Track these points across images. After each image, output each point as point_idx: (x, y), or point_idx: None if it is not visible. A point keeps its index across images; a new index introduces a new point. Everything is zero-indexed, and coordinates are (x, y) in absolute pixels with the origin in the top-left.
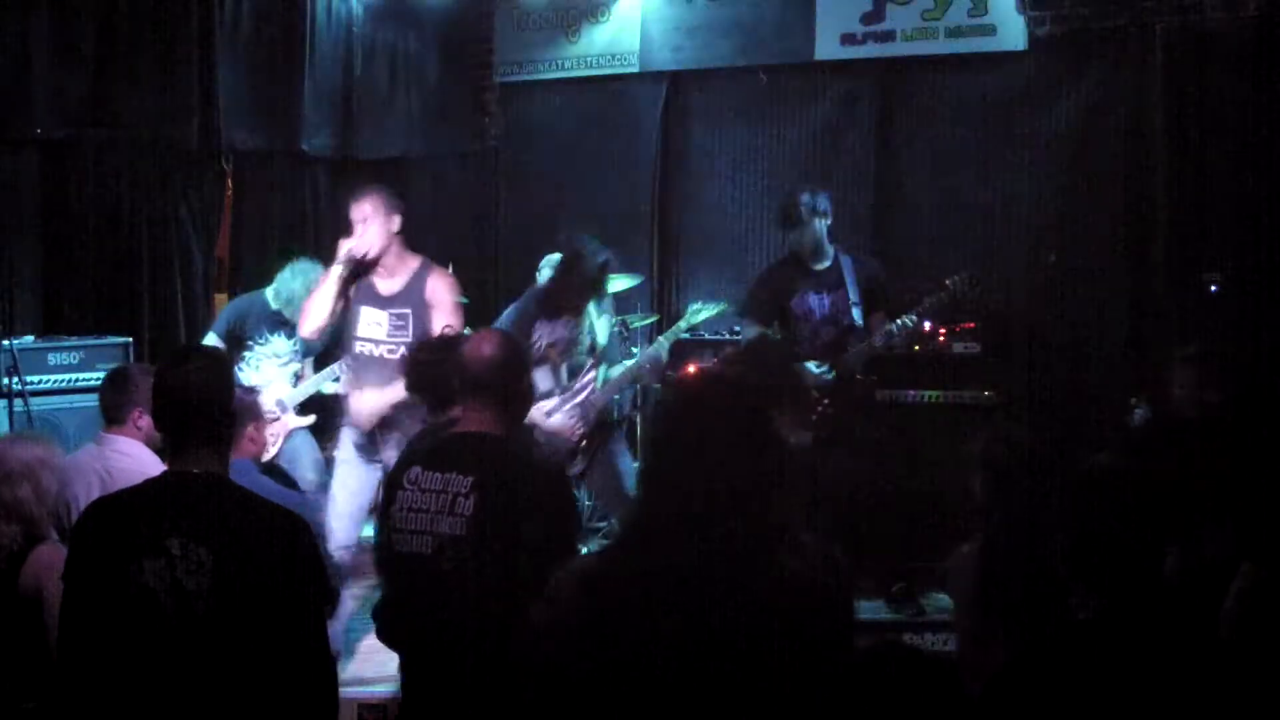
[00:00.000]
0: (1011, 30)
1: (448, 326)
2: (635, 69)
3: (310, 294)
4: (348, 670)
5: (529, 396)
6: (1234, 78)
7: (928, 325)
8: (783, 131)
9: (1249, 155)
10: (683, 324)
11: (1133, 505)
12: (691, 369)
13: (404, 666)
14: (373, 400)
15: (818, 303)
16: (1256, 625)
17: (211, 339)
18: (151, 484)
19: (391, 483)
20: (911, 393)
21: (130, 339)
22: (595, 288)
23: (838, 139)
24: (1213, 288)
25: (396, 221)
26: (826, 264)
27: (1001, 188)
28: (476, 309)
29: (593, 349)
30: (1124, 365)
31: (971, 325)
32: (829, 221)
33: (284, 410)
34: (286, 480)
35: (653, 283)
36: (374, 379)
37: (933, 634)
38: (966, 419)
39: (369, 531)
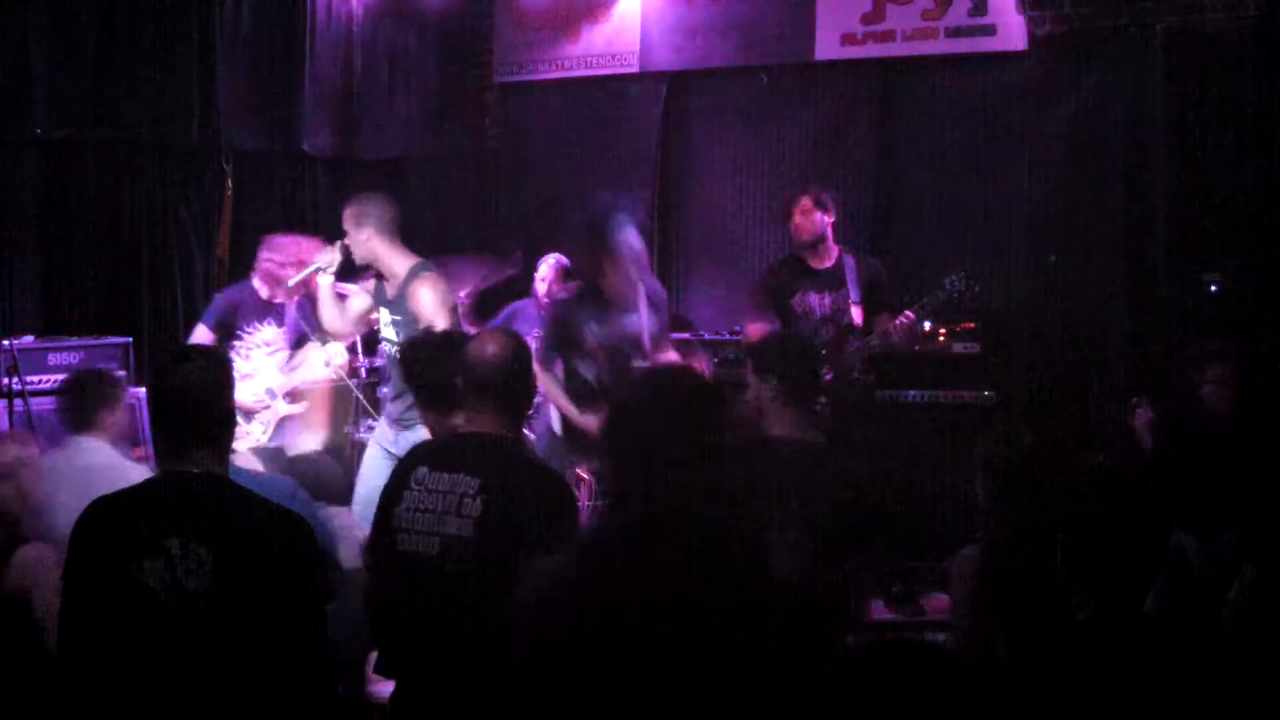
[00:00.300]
0: (1011, 30)
1: (429, 327)
2: (635, 69)
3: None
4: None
5: (532, 396)
6: (1234, 78)
7: (927, 325)
8: (783, 131)
9: (1249, 155)
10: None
11: (1133, 505)
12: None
13: (397, 665)
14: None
15: (818, 302)
16: (1256, 628)
17: (201, 331)
18: (151, 484)
19: (396, 483)
20: (911, 393)
21: (130, 339)
22: (637, 263)
23: (838, 139)
24: (1213, 288)
25: (367, 232)
26: (829, 264)
27: (1001, 188)
28: (477, 309)
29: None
30: (1124, 365)
31: (971, 325)
32: (833, 219)
33: (273, 398)
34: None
35: None
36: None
37: (933, 634)
38: (966, 419)
39: None
